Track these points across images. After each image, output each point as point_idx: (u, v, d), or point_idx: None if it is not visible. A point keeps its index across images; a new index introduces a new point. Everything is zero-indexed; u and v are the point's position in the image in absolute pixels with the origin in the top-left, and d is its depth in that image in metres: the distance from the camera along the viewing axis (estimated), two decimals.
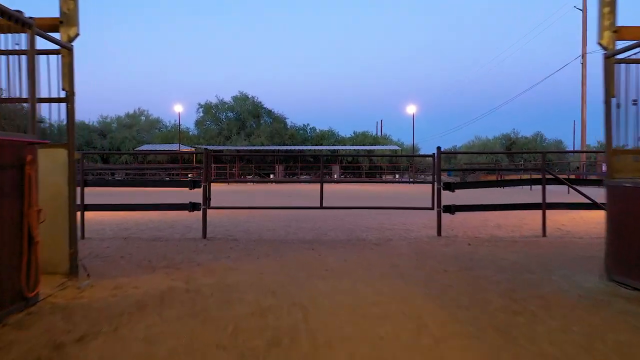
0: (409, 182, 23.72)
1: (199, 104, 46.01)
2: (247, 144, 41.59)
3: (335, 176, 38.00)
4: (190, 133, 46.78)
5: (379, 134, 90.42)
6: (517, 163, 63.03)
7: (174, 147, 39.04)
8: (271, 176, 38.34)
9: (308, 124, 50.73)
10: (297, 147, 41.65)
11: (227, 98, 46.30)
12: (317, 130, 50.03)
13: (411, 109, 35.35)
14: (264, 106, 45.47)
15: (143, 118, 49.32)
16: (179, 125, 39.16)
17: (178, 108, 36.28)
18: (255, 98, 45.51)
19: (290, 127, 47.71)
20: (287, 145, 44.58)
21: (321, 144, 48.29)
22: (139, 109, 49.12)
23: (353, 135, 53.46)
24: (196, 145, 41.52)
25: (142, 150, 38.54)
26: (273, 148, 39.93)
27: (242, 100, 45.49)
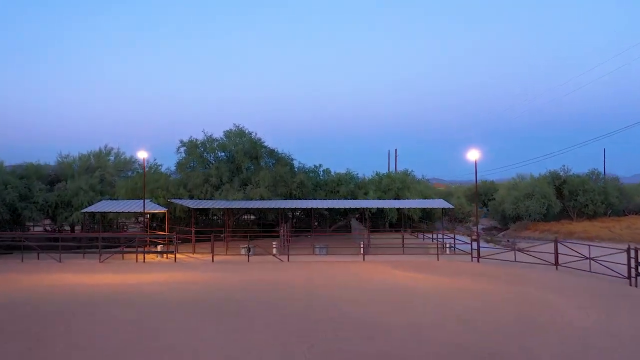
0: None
1: (181, 141, 35.85)
2: (242, 196, 31.14)
3: (362, 244, 27.44)
4: (172, 177, 36.53)
5: (392, 167, 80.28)
6: (568, 205, 52.47)
7: (145, 203, 28.59)
8: (274, 244, 27.81)
9: (320, 165, 40.53)
10: (308, 203, 31.04)
11: (219, 133, 36.20)
12: (332, 173, 39.74)
13: (473, 155, 24.99)
14: (265, 144, 35.22)
15: (112, 158, 39.09)
16: (144, 174, 28.65)
17: (142, 154, 26.00)
18: (254, 134, 35.33)
19: (299, 169, 37.40)
20: (294, 196, 34.19)
21: (338, 192, 37.91)
22: (105, 146, 38.88)
23: (375, 176, 43.13)
24: (174, 199, 31.07)
25: (94, 209, 27.99)
26: (275, 206, 29.38)
27: (237, 136, 35.30)
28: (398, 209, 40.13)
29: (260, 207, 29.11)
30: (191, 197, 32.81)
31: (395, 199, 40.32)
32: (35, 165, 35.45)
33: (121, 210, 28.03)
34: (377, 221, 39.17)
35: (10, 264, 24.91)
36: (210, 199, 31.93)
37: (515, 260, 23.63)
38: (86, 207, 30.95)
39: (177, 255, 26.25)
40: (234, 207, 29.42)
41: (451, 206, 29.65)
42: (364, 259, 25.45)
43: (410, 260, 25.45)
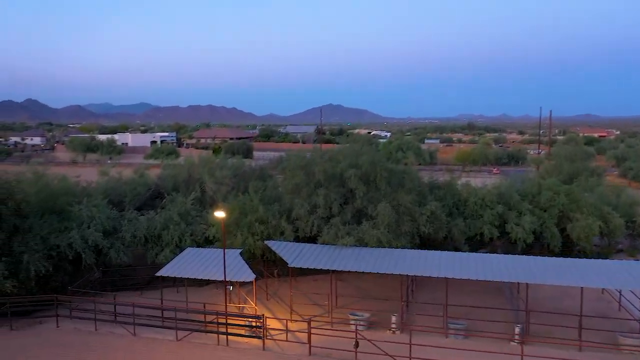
0: None
1: (285, 154, 29.81)
2: (353, 240, 24.43)
3: (517, 329, 19.54)
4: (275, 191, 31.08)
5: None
6: None
7: (232, 260, 23.40)
8: (393, 319, 21.15)
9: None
10: (446, 266, 23.29)
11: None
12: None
13: None
14: (385, 163, 27.51)
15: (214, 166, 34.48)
16: (224, 241, 23.00)
17: (219, 214, 20.38)
18: (376, 142, 27.72)
19: (431, 190, 29.38)
20: (424, 235, 26.56)
21: (481, 216, 29.26)
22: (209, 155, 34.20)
23: (529, 185, 33.13)
24: (271, 243, 25.46)
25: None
26: (396, 271, 22.35)
27: (351, 148, 28.19)
28: (562, 229, 30.58)
29: (378, 272, 22.09)
30: (295, 232, 26.91)
31: (558, 217, 30.66)
32: (135, 181, 32.18)
33: (199, 278, 23.04)
34: (531, 251, 30.08)
35: (85, 335, 21.57)
36: (316, 239, 25.84)
37: None
38: (176, 242, 26.93)
39: (268, 327, 20.90)
40: (340, 269, 22.91)
41: None
42: None
43: None
